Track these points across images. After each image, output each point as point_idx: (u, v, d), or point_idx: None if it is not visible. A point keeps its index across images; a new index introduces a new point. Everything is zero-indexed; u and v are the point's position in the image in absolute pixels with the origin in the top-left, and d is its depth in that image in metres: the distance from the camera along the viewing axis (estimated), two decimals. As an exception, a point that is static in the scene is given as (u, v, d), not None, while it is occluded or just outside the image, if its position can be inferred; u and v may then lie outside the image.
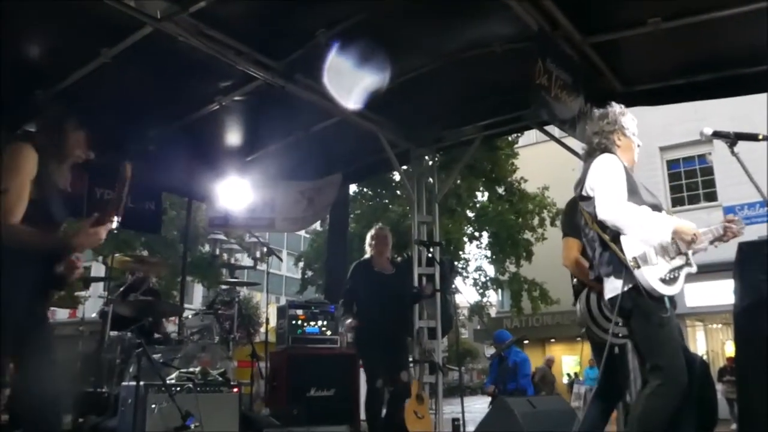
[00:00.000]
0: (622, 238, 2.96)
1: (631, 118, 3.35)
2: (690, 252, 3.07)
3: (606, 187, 3.04)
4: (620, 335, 3.29)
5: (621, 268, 2.96)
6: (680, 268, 3.01)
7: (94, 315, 6.55)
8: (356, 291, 5.69)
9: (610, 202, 2.98)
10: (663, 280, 2.93)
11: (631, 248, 2.94)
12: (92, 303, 18.04)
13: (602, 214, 2.99)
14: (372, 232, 6.07)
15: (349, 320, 5.63)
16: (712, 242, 3.21)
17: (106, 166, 6.98)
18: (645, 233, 2.95)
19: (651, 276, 2.90)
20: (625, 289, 2.95)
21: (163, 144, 6.66)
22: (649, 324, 2.95)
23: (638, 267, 2.90)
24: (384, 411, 5.55)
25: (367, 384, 5.46)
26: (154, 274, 6.47)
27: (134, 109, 6.11)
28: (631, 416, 3.02)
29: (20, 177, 2.59)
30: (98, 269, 19.03)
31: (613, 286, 3.05)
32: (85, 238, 2.75)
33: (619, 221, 2.95)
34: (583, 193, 3.18)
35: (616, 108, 3.37)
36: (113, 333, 4.98)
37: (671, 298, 2.98)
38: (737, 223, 3.25)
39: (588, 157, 3.28)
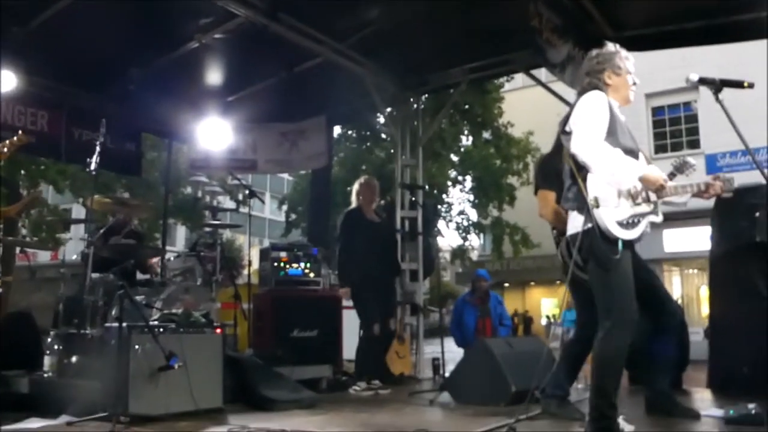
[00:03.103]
0: (589, 176, 2.99)
1: (625, 57, 3.31)
2: (659, 201, 3.09)
3: (584, 123, 3.05)
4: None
5: (583, 204, 3.00)
6: (643, 215, 3.04)
7: (75, 257, 6.51)
8: (352, 243, 5.59)
9: (583, 139, 3.00)
10: (621, 224, 2.96)
11: (595, 187, 2.97)
12: (73, 245, 17.97)
13: (574, 148, 3.01)
14: (361, 180, 5.97)
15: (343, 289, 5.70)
16: (693, 196, 3.20)
17: (84, 107, 6.92)
18: (611, 174, 2.97)
19: (608, 217, 2.94)
20: (585, 228, 3.00)
21: (143, 83, 6.49)
22: (600, 267, 2.99)
23: (597, 206, 2.93)
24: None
25: (363, 331, 5.52)
26: (136, 216, 6.40)
27: (113, 47, 5.92)
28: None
29: None
30: (79, 211, 18.88)
31: (574, 223, 3.10)
32: None
33: (588, 158, 2.97)
34: (566, 128, 3.19)
35: (609, 47, 3.34)
36: (95, 275, 4.95)
37: (628, 242, 3.00)
38: (725, 182, 3.17)
39: (579, 96, 3.26)
